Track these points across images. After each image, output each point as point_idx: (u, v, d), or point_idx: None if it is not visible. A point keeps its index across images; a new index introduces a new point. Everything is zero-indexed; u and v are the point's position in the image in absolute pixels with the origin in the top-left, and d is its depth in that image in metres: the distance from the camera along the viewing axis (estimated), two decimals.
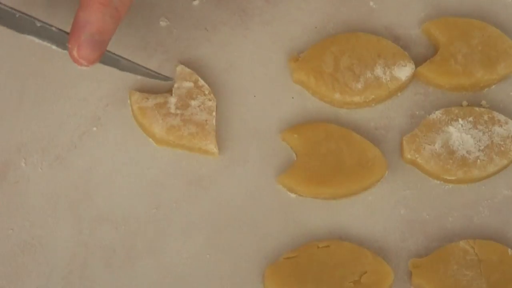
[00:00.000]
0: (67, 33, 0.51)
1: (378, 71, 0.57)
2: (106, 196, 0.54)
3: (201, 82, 0.57)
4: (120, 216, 0.54)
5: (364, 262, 0.52)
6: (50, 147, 0.55)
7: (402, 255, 0.53)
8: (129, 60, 0.54)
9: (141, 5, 0.59)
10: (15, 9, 0.51)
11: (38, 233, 0.53)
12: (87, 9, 0.50)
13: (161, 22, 0.59)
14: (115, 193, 0.54)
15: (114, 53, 0.53)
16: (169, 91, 0.56)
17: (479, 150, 0.55)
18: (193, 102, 0.56)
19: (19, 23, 0.51)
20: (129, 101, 0.56)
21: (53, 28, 0.51)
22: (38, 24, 0.51)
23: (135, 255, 0.53)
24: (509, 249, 0.53)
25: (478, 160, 0.55)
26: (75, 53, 0.50)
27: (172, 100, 0.56)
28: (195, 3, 0.60)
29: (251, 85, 0.58)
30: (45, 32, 0.51)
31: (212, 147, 0.55)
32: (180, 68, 0.57)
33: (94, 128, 0.56)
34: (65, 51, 0.52)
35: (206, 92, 0.56)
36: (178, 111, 0.56)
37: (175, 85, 0.56)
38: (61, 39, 0.52)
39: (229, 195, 0.55)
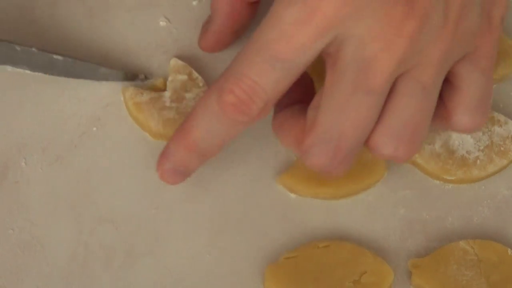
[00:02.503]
0: (47, 54, 0.53)
1: None
2: (106, 196, 0.54)
3: (195, 74, 0.57)
4: (120, 216, 0.54)
5: (364, 262, 0.52)
6: (50, 147, 0.55)
7: (402, 255, 0.53)
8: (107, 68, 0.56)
9: (141, 5, 0.59)
10: None
11: (38, 233, 0.53)
12: (175, 143, 0.50)
13: (161, 22, 0.59)
14: (115, 193, 0.54)
15: (92, 63, 0.55)
16: (163, 86, 0.57)
17: (478, 150, 0.55)
18: (187, 95, 0.56)
19: None
20: (122, 98, 0.56)
21: (33, 49, 0.53)
22: (18, 49, 0.53)
23: (135, 255, 0.53)
24: (509, 249, 0.53)
25: (478, 160, 0.55)
26: (159, 173, 0.51)
27: (167, 93, 0.56)
28: (195, 3, 0.60)
29: None
30: (25, 56, 0.54)
31: None
32: (173, 61, 0.57)
33: (94, 128, 0.56)
34: (41, 74, 0.54)
35: (201, 84, 0.56)
36: (173, 104, 0.56)
37: (169, 79, 0.56)
38: (42, 59, 0.54)
39: (229, 195, 0.55)
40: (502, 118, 0.56)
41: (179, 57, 0.58)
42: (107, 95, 0.57)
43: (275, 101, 0.48)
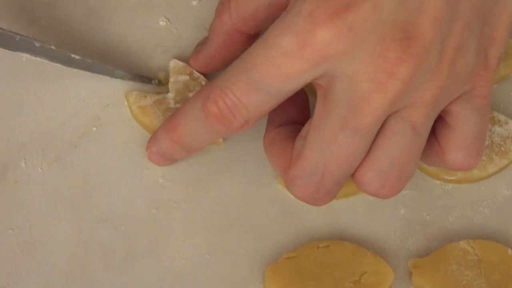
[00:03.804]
0: (65, 51, 0.54)
1: None
2: (106, 196, 0.54)
3: (196, 74, 0.57)
4: (120, 216, 0.54)
5: (364, 262, 0.52)
6: (50, 147, 0.55)
7: (402, 255, 0.53)
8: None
9: (141, 5, 0.59)
10: (15, 32, 0.53)
11: (38, 233, 0.53)
12: (163, 133, 0.52)
13: (161, 22, 0.59)
14: (115, 193, 0.54)
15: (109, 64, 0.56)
16: (166, 80, 0.57)
17: None
18: (191, 95, 0.56)
19: (19, 44, 0.53)
20: (126, 103, 0.56)
21: (52, 47, 0.53)
22: (37, 44, 0.53)
23: (135, 255, 0.53)
24: (509, 249, 0.53)
25: None
26: (147, 154, 0.54)
27: (170, 95, 0.56)
28: (195, 3, 0.60)
29: None
30: (43, 51, 0.54)
31: None
32: (173, 62, 0.57)
33: (94, 128, 0.56)
34: (60, 65, 0.54)
35: (203, 83, 0.56)
36: (178, 105, 0.56)
37: (171, 80, 0.56)
38: (59, 55, 0.54)
39: (229, 195, 0.55)
40: (502, 118, 0.56)
41: (179, 57, 0.58)
42: (107, 95, 0.57)
43: (257, 120, 0.48)
